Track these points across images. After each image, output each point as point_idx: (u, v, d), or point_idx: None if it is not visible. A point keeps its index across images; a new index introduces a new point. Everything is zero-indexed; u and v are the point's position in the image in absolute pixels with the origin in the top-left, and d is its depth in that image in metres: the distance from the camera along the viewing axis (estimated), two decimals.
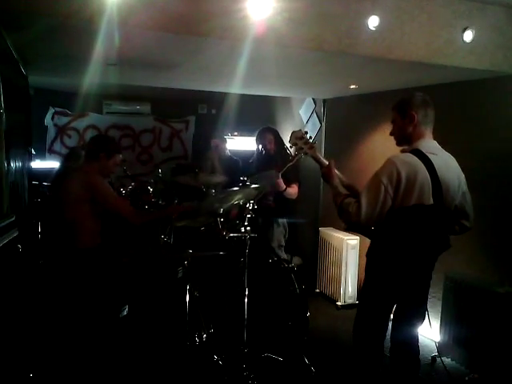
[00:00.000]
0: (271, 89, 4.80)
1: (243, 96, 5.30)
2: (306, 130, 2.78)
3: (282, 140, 4.26)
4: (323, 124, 5.08)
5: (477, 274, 3.32)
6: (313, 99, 5.25)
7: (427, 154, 2.20)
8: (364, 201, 2.17)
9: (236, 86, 4.18)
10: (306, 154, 2.60)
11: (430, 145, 2.28)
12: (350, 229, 2.56)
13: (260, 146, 4.20)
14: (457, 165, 2.34)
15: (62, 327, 2.85)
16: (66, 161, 4.15)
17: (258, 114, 5.95)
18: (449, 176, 2.24)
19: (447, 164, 2.27)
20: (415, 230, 2.21)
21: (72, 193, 2.91)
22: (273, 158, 4.08)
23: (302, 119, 5.45)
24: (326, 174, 2.50)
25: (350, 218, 2.24)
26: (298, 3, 2.42)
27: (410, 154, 2.21)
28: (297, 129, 2.69)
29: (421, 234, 2.22)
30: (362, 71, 3.33)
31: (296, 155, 2.65)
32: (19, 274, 2.71)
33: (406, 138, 2.33)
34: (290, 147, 2.61)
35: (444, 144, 2.33)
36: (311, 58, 2.90)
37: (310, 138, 2.63)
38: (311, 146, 2.60)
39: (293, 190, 3.98)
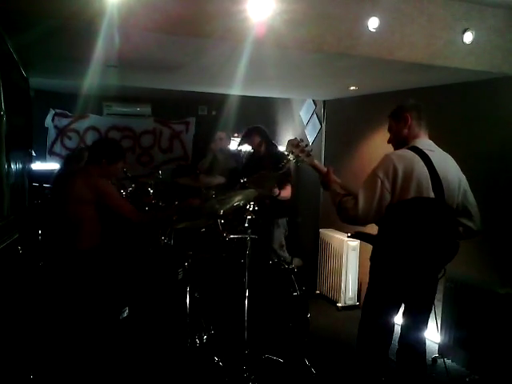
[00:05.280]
0: (271, 90, 4.80)
1: (243, 97, 5.30)
2: (301, 137, 2.78)
3: (271, 139, 4.27)
4: (323, 125, 5.08)
5: (477, 275, 3.31)
6: (313, 100, 5.25)
7: (424, 150, 2.24)
8: (361, 196, 2.19)
9: (236, 88, 4.18)
10: (302, 161, 2.59)
11: (426, 143, 2.32)
12: (353, 236, 2.57)
13: (247, 147, 4.20)
14: (455, 164, 2.35)
15: (63, 329, 2.85)
16: (69, 161, 4.14)
17: (259, 115, 5.94)
18: (448, 172, 2.25)
19: (445, 162, 2.30)
20: (416, 222, 2.18)
21: (75, 193, 2.92)
22: (263, 159, 4.09)
23: (302, 121, 5.43)
24: (325, 181, 2.52)
25: (347, 213, 2.26)
26: (297, 4, 2.42)
27: (407, 150, 2.26)
28: (297, 130, 2.70)
29: (423, 228, 2.19)
30: (361, 73, 3.33)
31: (286, 163, 2.63)
32: (19, 275, 2.71)
33: (402, 140, 2.37)
34: (287, 155, 2.60)
35: (444, 145, 2.34)
36: (311, 60, 2.90)
37: (307, 145, 2.62)
38: (308, 154, 2.59)
39: (285, 193, 3.99)
